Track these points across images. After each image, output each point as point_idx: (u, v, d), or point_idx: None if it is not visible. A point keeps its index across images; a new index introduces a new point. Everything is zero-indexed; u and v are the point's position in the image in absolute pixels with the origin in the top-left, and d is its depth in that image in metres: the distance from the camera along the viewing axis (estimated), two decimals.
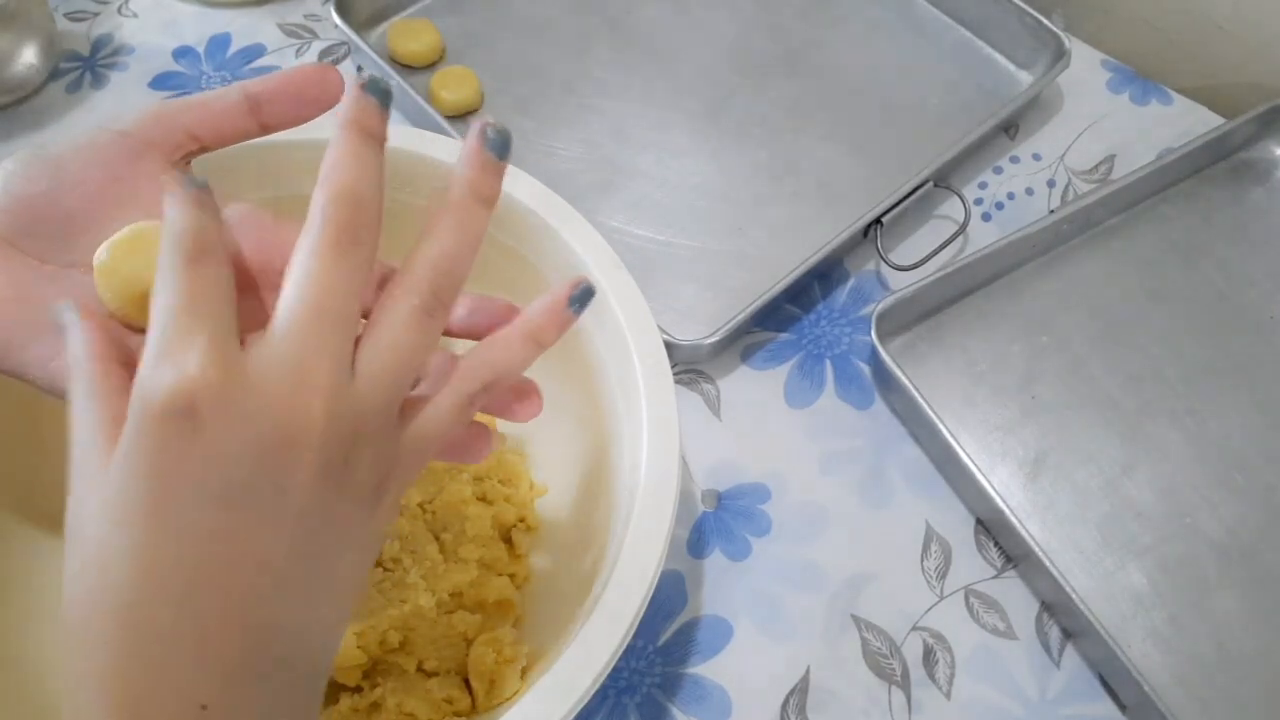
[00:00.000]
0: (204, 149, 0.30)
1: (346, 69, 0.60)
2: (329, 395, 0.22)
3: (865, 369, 0.50)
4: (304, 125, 0.34)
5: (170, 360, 0.21)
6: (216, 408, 0.21)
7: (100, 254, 0.26)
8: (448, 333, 0.30)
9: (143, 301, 0.25)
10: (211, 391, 0.21)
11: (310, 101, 0.30)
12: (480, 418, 0.30)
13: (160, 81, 0.59)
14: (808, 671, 0.42)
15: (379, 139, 0.25)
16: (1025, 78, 0.61)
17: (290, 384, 0.22)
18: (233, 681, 0.22)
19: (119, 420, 0.22)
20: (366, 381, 0.23)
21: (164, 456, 0.21)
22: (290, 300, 0.22)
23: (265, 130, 0.30)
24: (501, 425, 0.45)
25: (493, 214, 0.26)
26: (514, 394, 0.30)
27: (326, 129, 0.39)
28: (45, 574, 0.38)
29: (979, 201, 0.57)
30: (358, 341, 0.24)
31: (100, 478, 0.22)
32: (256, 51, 0.61)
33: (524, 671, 0.37)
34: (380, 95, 0.25)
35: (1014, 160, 0.59)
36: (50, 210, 0.27)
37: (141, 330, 0.24)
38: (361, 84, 0.25)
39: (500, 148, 0.26)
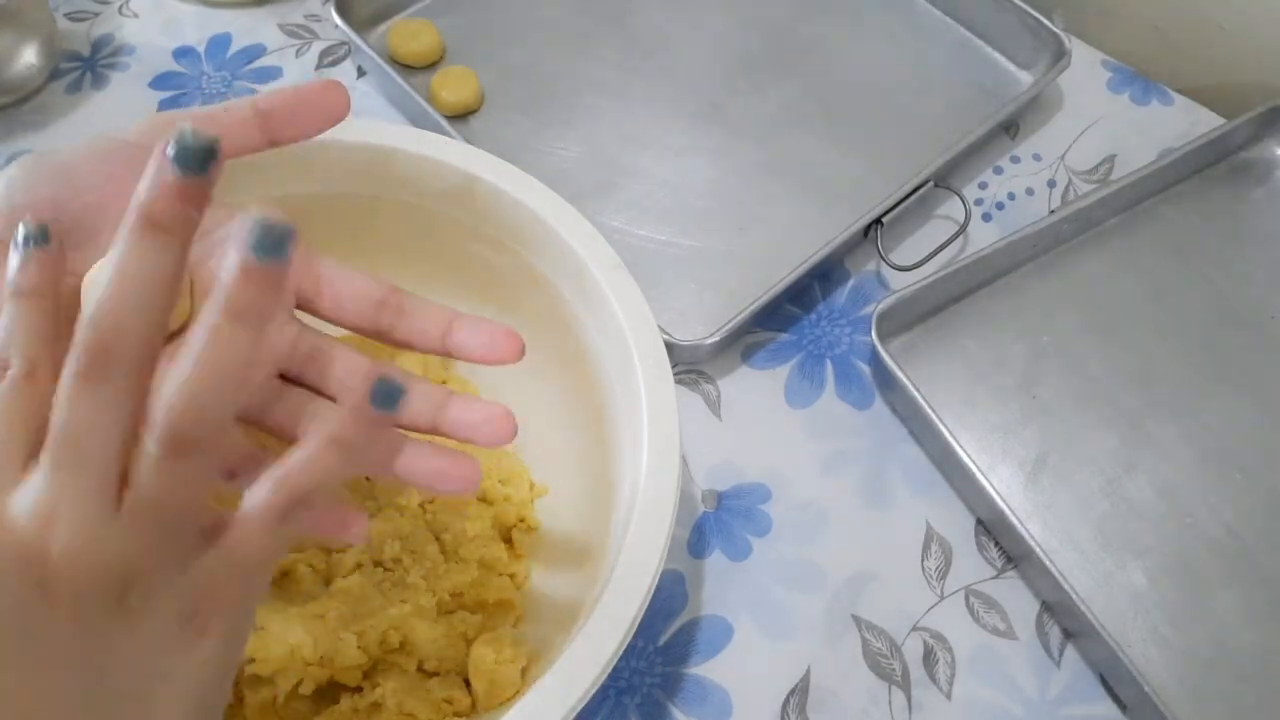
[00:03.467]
0: None
1: (346, 69, 0.60)
2: (70, 539, 0.21)
3: (865, 369, 0.50)
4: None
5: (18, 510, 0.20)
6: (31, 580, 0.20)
7: (88, 277, 0.26)
8: (428, 352, 0.30)
9: None
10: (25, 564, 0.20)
11: (318, 117, 0.30)
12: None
13: (160, 82, 0.59)
14: (808, 671, 0.42)
15: (171, 229, 0.21)
16: (1025, 78, 0.61)
17: (34, 534, 0.21)
18: None
19: None
20: (129, 526, 0.21)
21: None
22: (47, 441, 0.21)
23: (272, 144, 0.30)
24: None
25: (264, 335, 0.22)
26: (483, 419, 0.28)
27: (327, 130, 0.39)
28: None
29: (979, 201, 0.57)
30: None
31: None
32: (257, 51, 0.61)
33: (524, 671, 0.37)
34: (193, 163, 0.21)
35: (1014, 160, 0.59)
36: (53, 218, 0.27)
37: None
38: (166, 144, 0.21)
39: (275, 248, 0.21)
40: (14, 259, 0.24)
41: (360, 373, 0.30)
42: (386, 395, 0.23)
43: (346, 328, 0.31)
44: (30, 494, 0.21)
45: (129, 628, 0.22)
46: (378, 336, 0.31)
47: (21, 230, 0.24)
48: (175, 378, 0.21)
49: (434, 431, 0.30)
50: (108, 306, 0.21)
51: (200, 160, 0.21)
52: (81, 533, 0.21)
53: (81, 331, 0.21)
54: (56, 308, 0.25)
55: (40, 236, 0.24)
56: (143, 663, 0.22)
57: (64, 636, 0.21)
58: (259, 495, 0.23)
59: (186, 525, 0.23)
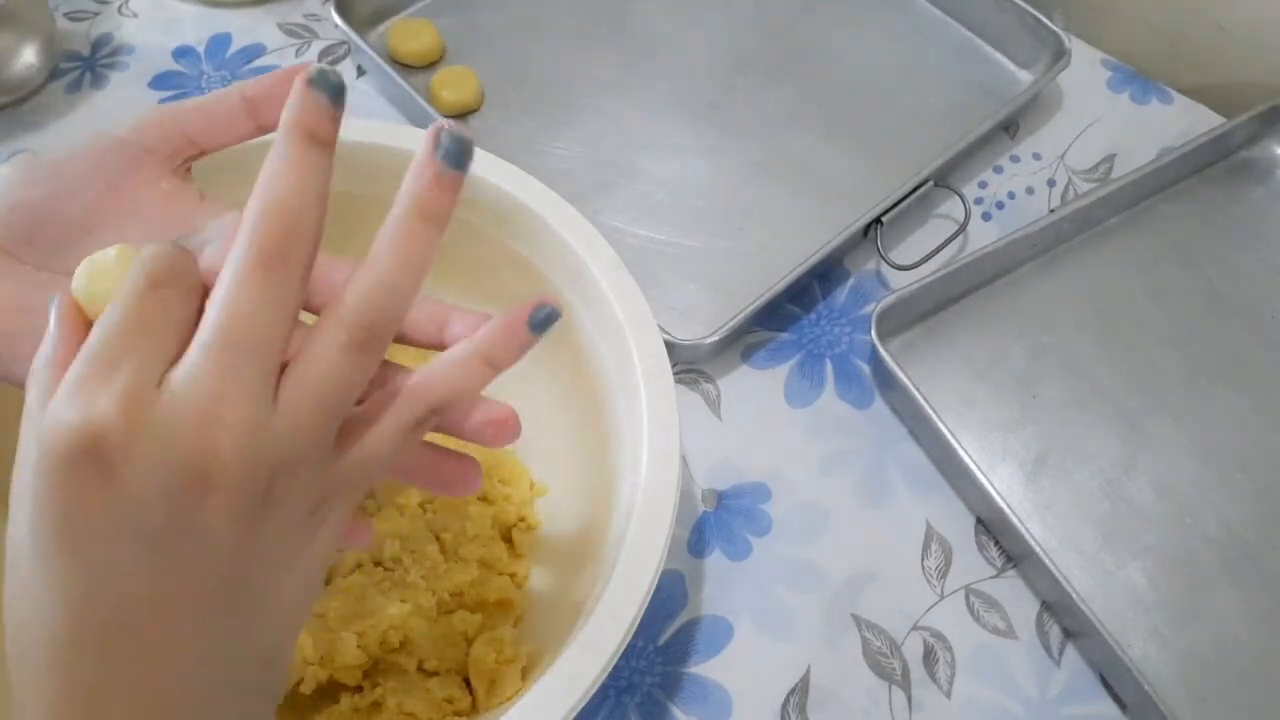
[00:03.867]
0: (203, 153, 0.30)
1: (346, 69, 0.60)
2: (240, 432, 0.21)
3: (865, 368, 0.50)
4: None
5: (80, 397, 0.20)
6: (122, 450, 0.20)
7: (78, 273, 0.25)
8: (424, 345, 0.30)
9: None
10: (117, 435, 0.20)
11: None
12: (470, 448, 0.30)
13: (160, 81, 0.59)
14: (808, 671, 0.42)
15: (326, 142, 0.23)
16: (1025, 77, 0.61)
17: (198, 423, 0.21)
18: (172, 715, 0.22)
19: None
20: (288, 417, 0.22)
21: (68, 498, 0.20)
22: (206, 329, 0.21)
23: (263, 131, 0.30)
24: None
25: (443, 235, 0.24)
26: (486, 421, 0.28)
27: None
28: None
29: (979, 201, 0.57)
30: (286, 367, 0.22)
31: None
32: (256, 51, 0.61)
33: (524, 671, 0.37)
34: (330, 91, 0.22)
35: (1014, 160, 0.59)
36: (48, 217, 0.27)
37: None
38: (308, 78, 0.22)
39: (456, 157, 0.23)
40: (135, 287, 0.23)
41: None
42: (546, 318, 0.25)
43: None
44: (197, 376, 0.21)
45: (262, 525, 0.22)
46: None
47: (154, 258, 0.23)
48: (371, 273, 0.23)
49: (438, 429, 0.30)
50: (282, 202, 0.22)
51: (333, 88, 0.22)
52: (247, 427, 0.21)
53: (255, 223, 0.21)
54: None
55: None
56: (271, 551, 0.23)
57: (214, 523, 0.21)
58: (401, 401, 0.24)
59: (334, 424, 0.23)
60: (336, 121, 0.23)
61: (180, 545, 0.21)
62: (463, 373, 0.25)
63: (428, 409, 0.24)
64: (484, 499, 0.42)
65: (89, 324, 0.23)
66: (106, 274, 0.24)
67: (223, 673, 0.23)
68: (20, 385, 0.26)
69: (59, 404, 0.20)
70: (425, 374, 0.25)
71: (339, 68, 0.60)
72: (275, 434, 0.22)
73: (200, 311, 0.22)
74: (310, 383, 0.22)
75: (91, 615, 0.21)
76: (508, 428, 0.28)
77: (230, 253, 0.22)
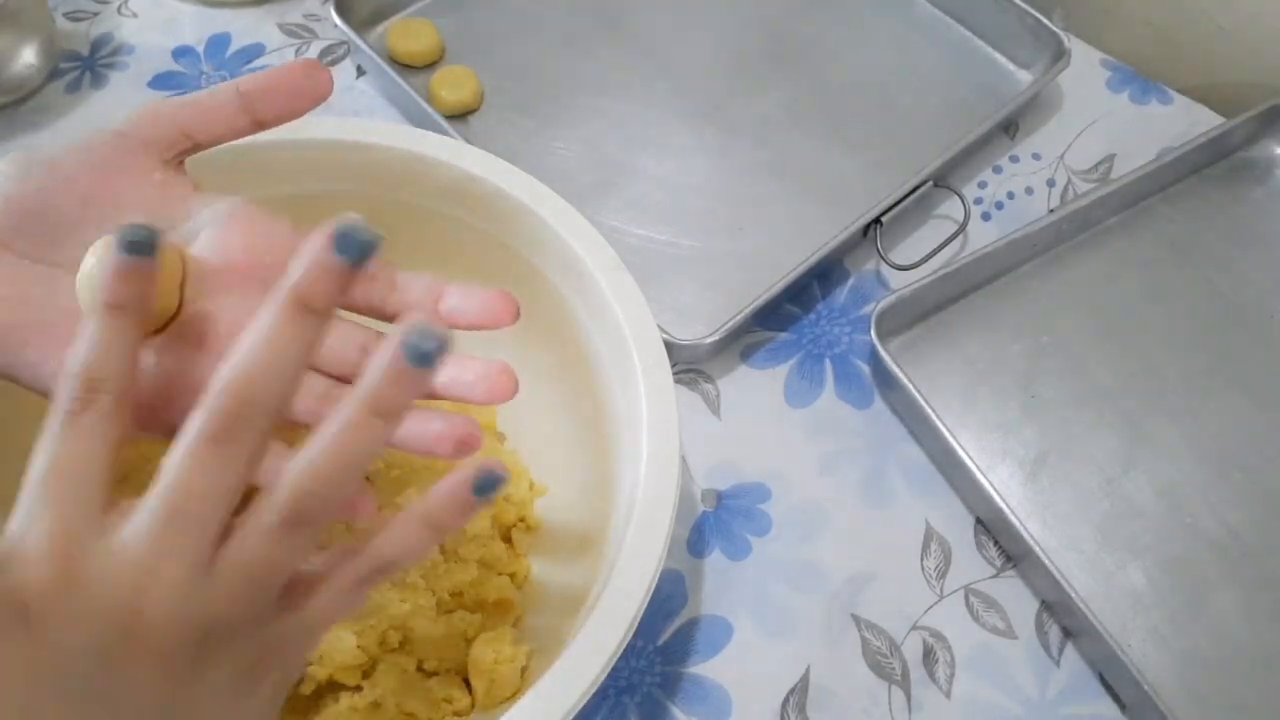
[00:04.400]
0: (198, 147, 0.30)
1: (346, 69, 0.60)
2: (171, 592, 0.21)
3: (865, 369, 0.50)
4: (301, 124, 0.34)
5: (12, 548, 0.20)
6: (51, 608, 0.20)
7: (86, 260, 0.26)
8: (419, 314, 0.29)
9: None
10: (46, 592, 0.20)
11: (301, 96, 0.30)
12: (476, 412, 0.29)
13: (160, 81, 0.59)
14: (808, 671, 0.42)
15: (324, 313, 0.22)
16: (1025, 77, 0.61)
17: (130, 588, 0.21)
18: None
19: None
20: (219, 584, 0.22)
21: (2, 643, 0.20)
22: (152, 496, 0.21)
23: (259, 127, 0.30)
24: (501, 425, 0.45)
25: (396, 426, 0.23)
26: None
27: (326, 128, 0.40)
28: None
29: (979, 201, 0.57)
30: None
31: None
32: (256, 51, 0.61)
33: (524, 671, 0.37)
34: (355, 254, 0.22)
35: (1014, 160, 0.59)
36: (43, 210, 0.27)
37: None
38: (334, 235, 0.22)
39: (424, 358, 0.22)
40: (110, 263, 0.23)
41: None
42: (488, 484, 0.24)
43: (342, 306, 0.31)
44: (132, 544, 0.21)
45: (199, 677, 0.22)
46: (371, 312, 0.31)
47: (126, 234, 0.23)
48: (309, 459, 0.22)
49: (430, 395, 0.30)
50: (247, 375, 0.22)
51: (364, 251, 0.22)
52: (179, 591, 0.21)
53: (215, 396, 0.22)
54: (143, 330, 0.24)
55: (146, 245, 0.23)
56: (205, 710, 0.22)
57: (143, 683, 0.21)
58: (349, 564, 0.24)
59: (275, 589, 0.23)
60: (351, 282, 0.22)
61: (104, 702, 0.21)
62: (409, 539, 0.24)
63: (373, 570, 0.24)
64: None
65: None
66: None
67: None
68: (9, 378, 0.26)
69: None
70: (376, 541, 0.24)
71: (338, 68, 0.60)
72: (206, 598, 0.22)
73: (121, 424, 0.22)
74: (242, 557, 0.22)
75: None
76: (502, 382, 0.28)
77: (189, 419, 0.22)
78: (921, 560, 0.45)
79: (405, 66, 0.60)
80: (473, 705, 0.38)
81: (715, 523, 0.45)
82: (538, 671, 0.36)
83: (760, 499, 0.46)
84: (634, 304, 0.36)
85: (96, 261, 0.25)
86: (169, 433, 0.22)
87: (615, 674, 0.41)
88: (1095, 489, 0.47)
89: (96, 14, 0.62)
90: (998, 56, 0.63)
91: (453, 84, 0.57)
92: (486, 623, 0.39)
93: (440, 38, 0.60)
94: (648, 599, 0.31)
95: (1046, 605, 0.44)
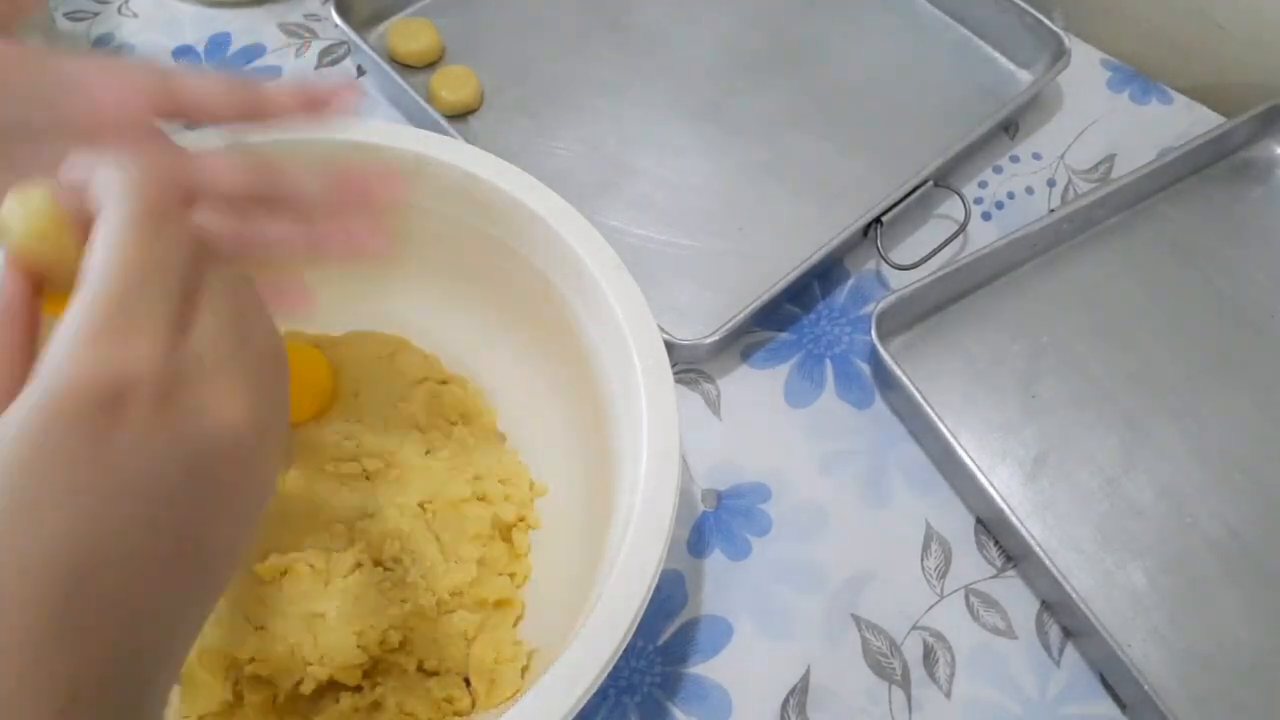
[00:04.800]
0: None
1: (346, 68, 0.60)
2: (249, 412, 0.22)
3: (865, 368, 0.50)
4: (302, 124, 0.34)
5: (107, 342, 0.20)
6: (152, 404, 0.20)
7: (8, 212, 0.23)
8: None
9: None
10: (150, 387, 0.20)
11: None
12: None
13: None
14: (808, 671, 0.42)
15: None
16: (1025, 77, 0.61)
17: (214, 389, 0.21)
18: (140, 661, 0.21)
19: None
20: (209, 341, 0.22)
21: (79, 443, 0.19)
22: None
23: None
24: (501, 425, 0.45)
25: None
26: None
27: (326, 128, 0.40)
28: None
29: (979, 201, 0.57)
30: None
31: None
32: (256, 51, 0.61)
33: (524, 671, 0.37)
34: None
35: (1014, 160, 0.59)
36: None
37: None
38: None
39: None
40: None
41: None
42: None
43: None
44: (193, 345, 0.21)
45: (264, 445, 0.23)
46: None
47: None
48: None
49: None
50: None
51: None
52: (253, 405, 0.22)
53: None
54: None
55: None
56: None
57: (230, 482, 0.22)
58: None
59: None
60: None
61: (203, 501, 0.21)
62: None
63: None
64: (483, 499, 0.42)
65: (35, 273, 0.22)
66: (44, 214, 0.22)
67: (193, 593, 0.23)
68: None
69: (82, 351, 0.19)
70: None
71: (338, 68, 0.60)
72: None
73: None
74: (223, 305, 0.23)
75: (85, 552, 0.20)
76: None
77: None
78: (922, 560, 0.45)
79: (405, 66, 0.60)
80: (473, 705, 0.38)
81: (715, 523, 0.45)
82: (538, 671, 0.36)
83: (760, 499, 0.46)
84: (634, 304, 0.36)
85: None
86: None
87: (615, 674, 0.41)
88: (1095, 489, 0.47)
89: (97, 14, 0.62)
90: (998, 56, 0.63)
91: (452, 84, 0.57)
92: (487, 623, 0.39)
93: (440, 38, 0.60)
94: (648, 599, 0.31)
95: (1047, 605, 0.44)
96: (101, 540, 0.20)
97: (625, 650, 0.30)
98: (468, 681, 0.38)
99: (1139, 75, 0.62)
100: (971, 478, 0.44)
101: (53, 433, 0.19)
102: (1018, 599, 0.44)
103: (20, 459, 0.19)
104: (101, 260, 0.21)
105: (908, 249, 0.54)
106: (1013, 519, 0.42)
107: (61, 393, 0.19)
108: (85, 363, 0.19)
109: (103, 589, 0.20)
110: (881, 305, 0.48)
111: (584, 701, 0.29)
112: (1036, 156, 0.59)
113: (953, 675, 0.42)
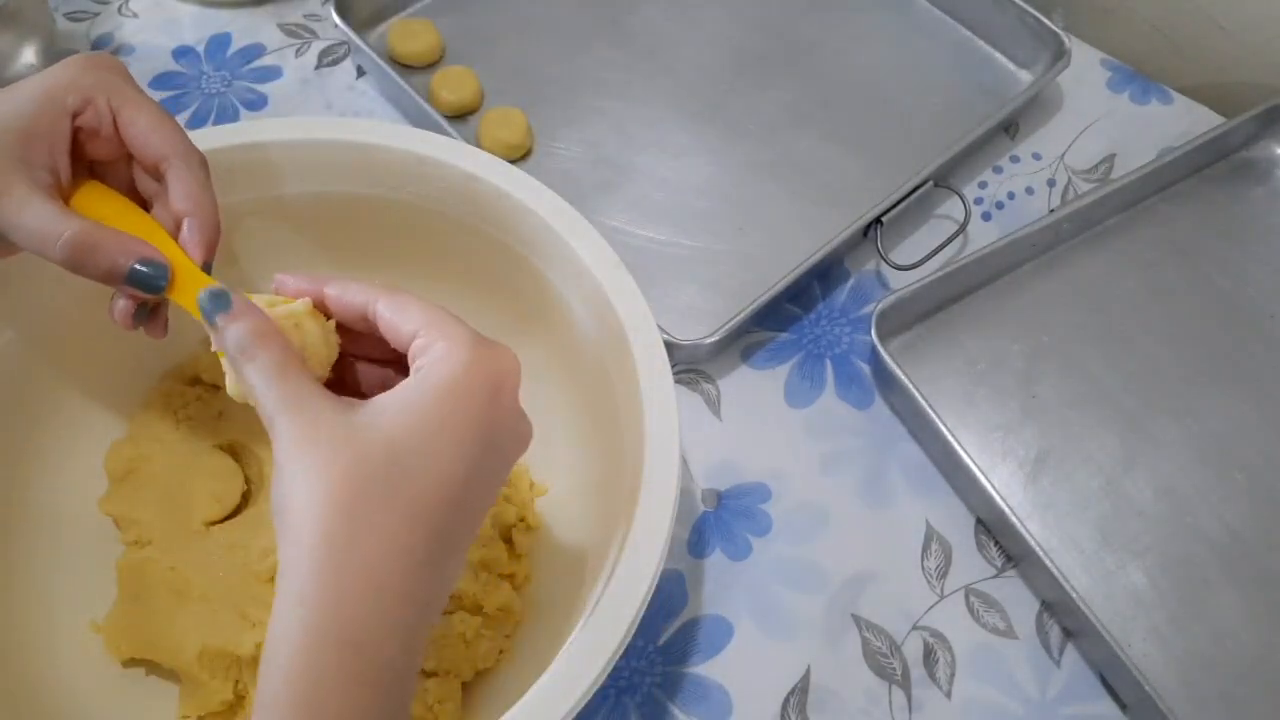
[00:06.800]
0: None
1: (346, 69, 0.60)
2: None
3: (865, 369, 0.50)
4: (303, 124, 0.34)
5: (488, 349, 0.27)
6: (513, 389, 0.28)
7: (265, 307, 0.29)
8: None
9: None
10: (514, 377, 0.28)
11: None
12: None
13: (161, 82, 0.59)
14: (808, 671, 0.42)
15: None
16: (1025, 77, 0.61)
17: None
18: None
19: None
20: None
21: (478, 410, 0.26)
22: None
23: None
24: None
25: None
26: None
27: (327, 128, 0.40)
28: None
29: (979, 201, 0.57)
30: None
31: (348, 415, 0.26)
32: (256, 51, 0.61)
33: (524, 672, 0.37)
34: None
35: (1014, 160, 0.59)
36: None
37: None
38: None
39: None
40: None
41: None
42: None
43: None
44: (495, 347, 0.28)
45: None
46: None
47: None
48: None
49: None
50: None
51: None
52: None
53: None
54: None
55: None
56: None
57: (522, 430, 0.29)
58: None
59: None
60: None
61: (507, 449, 0.28)
62: None
63: None
64: None
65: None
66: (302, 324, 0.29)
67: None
68: None
69: (480, 353, 0.27)
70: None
71: (338, 68, 0.60)
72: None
73: None
74: None
75: (461, 480, 0.26)
76: None
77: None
78: (922, 560, 0.45)
79: (405, 66, 0.60)
80: (472, 706, 0.38)
81: (715, 523, 0.45)
82: (538, 672, 0.36)
83: (760, 499, 0.46)
84: (634, 304, 0.36)
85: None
86: None
87: (615, 674, 0.41)
88: (1095, 489, 0.47)
89: (97, 14, 0.62)
90: (998, 56, 0.63)
91: (453, 84, 0.57)
92: (487, 624, 0.39)
93: (440, 38, 0.60)
94: (648, 599, 0.31)
95: (1047, 605, 0.44)
96: (471, 482, 0.26)
97: (625, 650, 0.30)
98: (467, 683, 0.38)
99: (1139, 75, 0.62)
100: (972, 478, 0.44)
101: (478, 403, 0.26)
102: (1018, 599, 0.44)
103: (445, 418, 0.26)
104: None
105: (908, 249, 0.54)
106: (1013, 519, 0.42)
107: (480, 379, 0.27)
108: (482, 359, 0.27)
109: (461, 524, 0.26)
110: (881, 305, 0.48)
111: (584, 701, 0.29)
112: (1036, 157, 0.59)
113: (953, 675, 0.42)
